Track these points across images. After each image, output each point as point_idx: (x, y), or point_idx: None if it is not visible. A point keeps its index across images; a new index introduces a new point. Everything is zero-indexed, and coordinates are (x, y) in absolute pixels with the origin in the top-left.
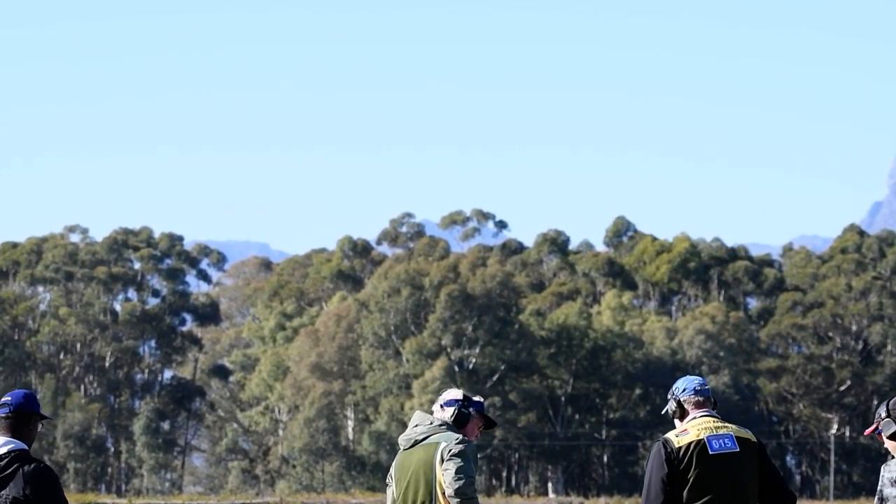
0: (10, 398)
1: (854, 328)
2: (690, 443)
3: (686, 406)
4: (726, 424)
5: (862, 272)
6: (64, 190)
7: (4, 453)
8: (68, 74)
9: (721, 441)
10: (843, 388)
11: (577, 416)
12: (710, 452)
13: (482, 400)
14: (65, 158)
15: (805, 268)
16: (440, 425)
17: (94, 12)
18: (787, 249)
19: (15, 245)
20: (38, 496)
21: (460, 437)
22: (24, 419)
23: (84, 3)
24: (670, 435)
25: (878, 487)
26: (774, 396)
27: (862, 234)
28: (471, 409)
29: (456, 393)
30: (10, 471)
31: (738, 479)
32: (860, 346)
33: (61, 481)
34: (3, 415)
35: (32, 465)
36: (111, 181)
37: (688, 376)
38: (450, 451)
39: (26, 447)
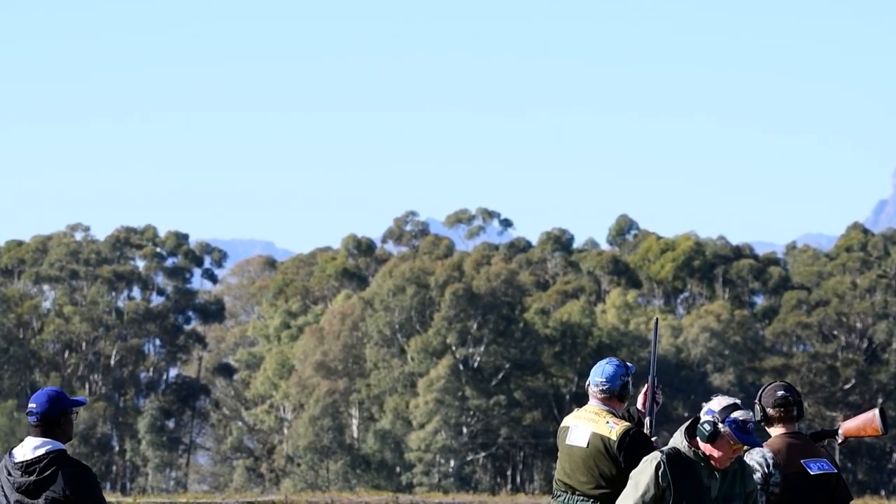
0: (35, 405)
1: (859, 326)
2: (560, 427)
3: (589, 392)
4: (595, 418)
5: (867, 270)
6: (68, 188)
7: (42, 455)
8: (71, 73)
9: (576, 432)
10: (847, 386)
11: None
12: (566, 442)
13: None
14: (69, 157)
15: (810, 266)
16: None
17: (96, 12)
18: (792, 248)
19: (20, 243)
20: (78, 497)
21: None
22: (54, 421)
23: (84, 3)
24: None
25: None
26: None
27: (867, 232)
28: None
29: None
30: (49, 472)
31: (583, 470)
32: (865, 345)
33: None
34: (33, 423)
35: (72, 467)
36: (115, 180)
37: (602, 362)
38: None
39: (63, 446)
